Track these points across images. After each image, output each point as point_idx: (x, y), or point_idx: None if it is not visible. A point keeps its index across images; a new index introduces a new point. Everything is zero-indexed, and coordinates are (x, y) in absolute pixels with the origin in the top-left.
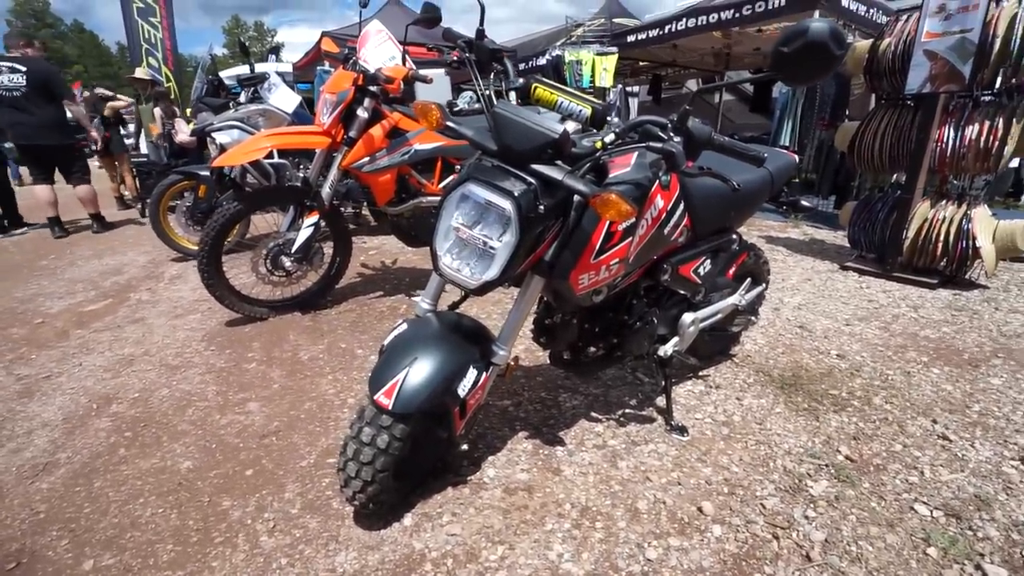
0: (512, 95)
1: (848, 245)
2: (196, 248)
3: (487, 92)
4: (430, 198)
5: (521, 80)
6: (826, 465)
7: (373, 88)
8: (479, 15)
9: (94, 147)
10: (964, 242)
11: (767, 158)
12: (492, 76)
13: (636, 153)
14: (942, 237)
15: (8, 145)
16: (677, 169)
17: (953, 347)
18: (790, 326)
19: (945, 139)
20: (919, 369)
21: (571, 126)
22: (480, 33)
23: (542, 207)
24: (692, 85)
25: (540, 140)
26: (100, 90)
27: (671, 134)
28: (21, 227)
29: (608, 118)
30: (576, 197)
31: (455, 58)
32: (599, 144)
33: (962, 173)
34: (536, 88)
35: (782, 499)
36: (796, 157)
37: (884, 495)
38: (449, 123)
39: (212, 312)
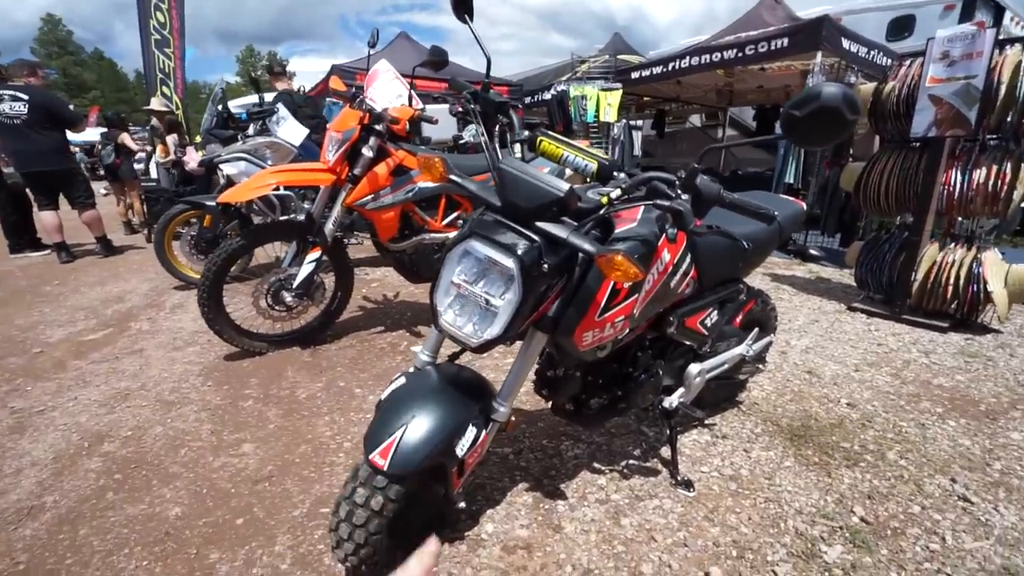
0: (517, 147)
1: (855, 284)
2: (198, 277)
3: (492, 146)
4: (433, 235)
5: (527, 132)
6: (840, 527)
7: (379, 127)
8: (486, 67)
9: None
10: (975, 286)
11: (777, 214)
12: (496, 128)
13: (643, 207)
14: (952, 280)
15: (8, 170)
16: (685, 228)
17: (969, 397)
18: (798, 371)
19: (952, 182)
20: (934, 421)
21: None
22: (486, 85)
23: (546, 265)
24: (695, 120)
25: (546, 198)
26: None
27: (679, 191)
28: (40, 249)
29: (615, 173)
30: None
31: (459, 110)
32: (605, 200)
33: (971, 216)
34: (542, 141)
35: (795, 565)
36: (804, 205)
37: (904, 563)
38: (452, 177)
39: (211, 345)
